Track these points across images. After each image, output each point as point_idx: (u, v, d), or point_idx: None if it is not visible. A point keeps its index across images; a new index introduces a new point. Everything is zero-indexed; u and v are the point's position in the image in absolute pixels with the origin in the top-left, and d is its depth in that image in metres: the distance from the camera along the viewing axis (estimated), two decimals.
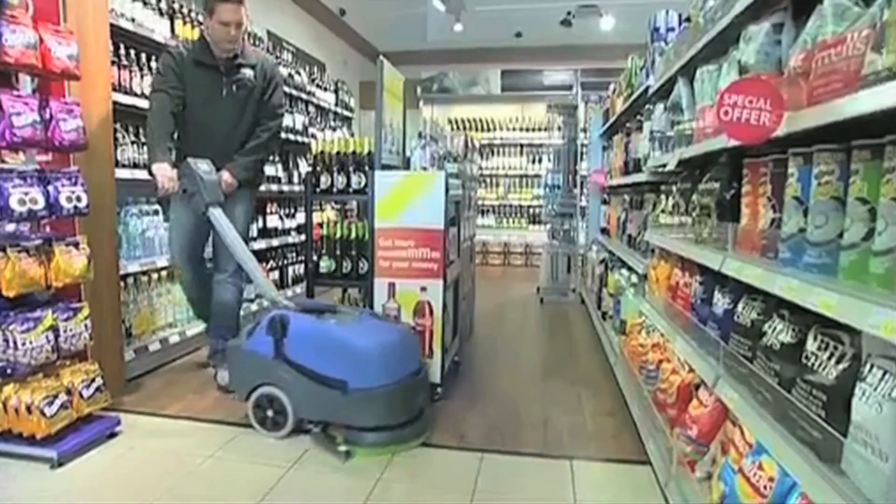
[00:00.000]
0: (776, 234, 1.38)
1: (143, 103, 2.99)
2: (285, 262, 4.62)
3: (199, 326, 3.39)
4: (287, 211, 4.70)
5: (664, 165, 2.46)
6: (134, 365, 2.90)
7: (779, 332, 1.34)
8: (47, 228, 2.27)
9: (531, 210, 7.79)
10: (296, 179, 4.79)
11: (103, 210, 2.49)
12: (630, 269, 3.26)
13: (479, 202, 7.34)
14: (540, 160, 7.60)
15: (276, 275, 4.50)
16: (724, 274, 1.83)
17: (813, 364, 1.16)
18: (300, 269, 4.78)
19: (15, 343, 2.00)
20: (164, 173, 2.54)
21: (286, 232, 4.64)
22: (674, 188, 2.42)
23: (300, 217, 4.82)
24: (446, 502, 1.88)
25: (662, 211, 2.54)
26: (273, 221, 4.47)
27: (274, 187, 4.44)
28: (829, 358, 1.12)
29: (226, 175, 2.72)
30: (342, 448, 2.13)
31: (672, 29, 2.76)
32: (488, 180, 7.76)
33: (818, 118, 1.11)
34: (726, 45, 1.84)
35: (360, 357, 2.17)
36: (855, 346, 1.08)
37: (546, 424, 2.50)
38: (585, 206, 5.51)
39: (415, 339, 2.48)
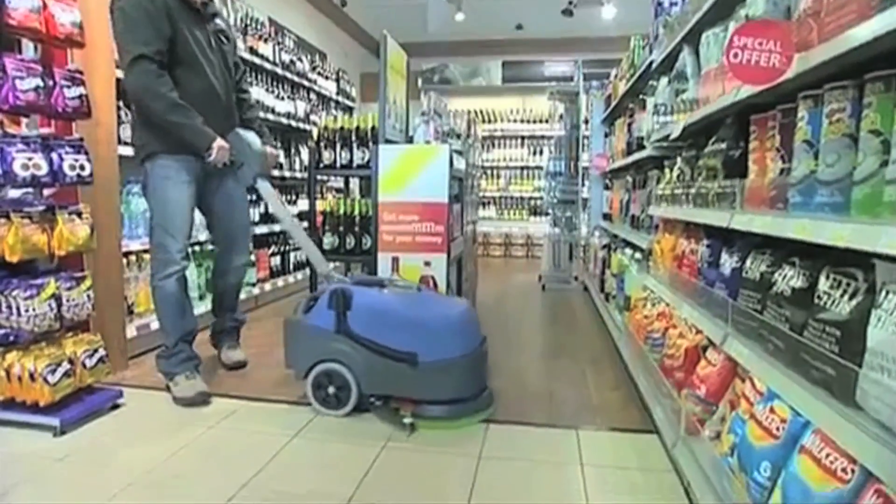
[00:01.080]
0: (785, 181, 1.37)
1: None
2: (287, 248, 4.61)
3: (200, 307, 3.38)
4: (289, 197, 4.69)
5: (668, 136, 2.46)
6: (136, 343, 2.89)
7: (789, 279, 1.33)
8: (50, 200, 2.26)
9: (532, 202, 7.79)
10: (297, 166, 4.79)
11: (106, 182, 2.48)
12: (633, 247, 3.26)
13: (480, 194, 7.33)
14: (541, 152, 7.60)
15: (277, 260, 4.49)
16: (730, 235, 1.83)
17: (825, 303, 1.15)
18: (302, 255, 4.77)
19: (18, 309, 1.99)
20: (220, 143, 2.27)
21: None
22: (678, 159, 2.42)
23: (301, 204, 4.82)
24: (452, 466, 1.87)
25: (667, 183, 2.53)
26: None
27: (276, 173, 4.43)
28: (843, 295, 1.11)
29: (268, 147, 2.52)
30: (407, 420, 2.07)
31: (675, 3, 2.75)
32: (489, 172, 7.76)
33: (830, 52, 1.10)
34: (732, 7, 1.84)
35: (432, 329, 2.13)
36: (868, 280, 1.07)
37: (551, 398, 2.49)
38: (587, 197, 5.51)
39: (475, 313, 2.38)
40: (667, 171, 2.60)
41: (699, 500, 1.44)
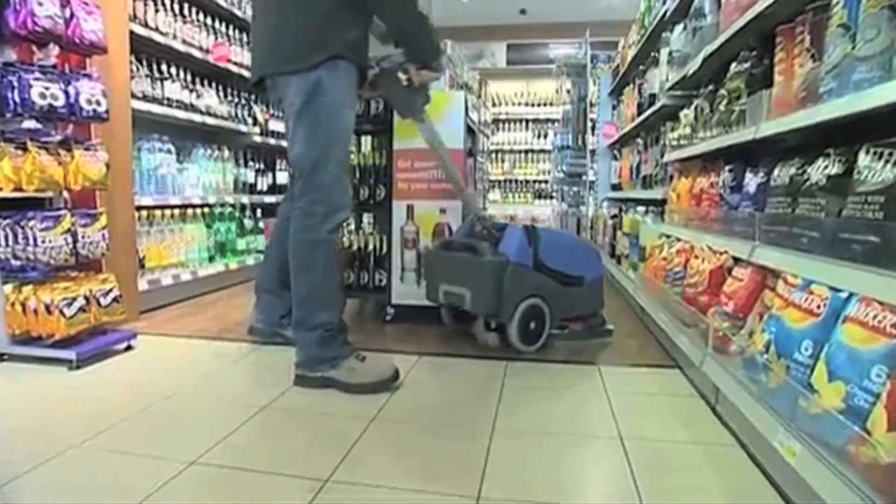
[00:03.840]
0: (817, 76, 1.36)
1: (158, 37, 2.98)
2: None
3: (210, 268, 3.37)
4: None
5: (684, 77, 2.45)
6: (148, 298, 2.86)
7: (824, 169, 1.32)
8: None
9: (536, 185, 7.79)
10: None
11: (120, 125, 2.46)
12: (646, 203, 3.25)
13: (485, 177, 7.32)
14: (545, 135, 7.60)
15: None
16: (753, 157, 1.82)
17: (866, 177, 1.14)
18: None
19: (34, 240, 1.97)
20: None
21: None
22: (694, 101, 2.41)
23: None
24: (475, 396, 1.85)
25: (683, 126, 2.52)
26: (283, 178, 4.43)
27: (284, 143, 4.41)
28: (885, 164, 1.10)
29: None
30: (609, 326, 2.49)
31: None
32: (494, 155, 7.76)
33: None
34: None
35: (587, 252, 2.51)
36: None
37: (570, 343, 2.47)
38: (594, 180, 5.48)
39: None
40: (682, 116, 2.59)
41: (732, 399, 1.42)
